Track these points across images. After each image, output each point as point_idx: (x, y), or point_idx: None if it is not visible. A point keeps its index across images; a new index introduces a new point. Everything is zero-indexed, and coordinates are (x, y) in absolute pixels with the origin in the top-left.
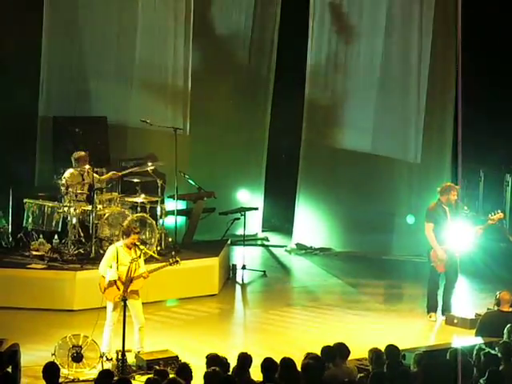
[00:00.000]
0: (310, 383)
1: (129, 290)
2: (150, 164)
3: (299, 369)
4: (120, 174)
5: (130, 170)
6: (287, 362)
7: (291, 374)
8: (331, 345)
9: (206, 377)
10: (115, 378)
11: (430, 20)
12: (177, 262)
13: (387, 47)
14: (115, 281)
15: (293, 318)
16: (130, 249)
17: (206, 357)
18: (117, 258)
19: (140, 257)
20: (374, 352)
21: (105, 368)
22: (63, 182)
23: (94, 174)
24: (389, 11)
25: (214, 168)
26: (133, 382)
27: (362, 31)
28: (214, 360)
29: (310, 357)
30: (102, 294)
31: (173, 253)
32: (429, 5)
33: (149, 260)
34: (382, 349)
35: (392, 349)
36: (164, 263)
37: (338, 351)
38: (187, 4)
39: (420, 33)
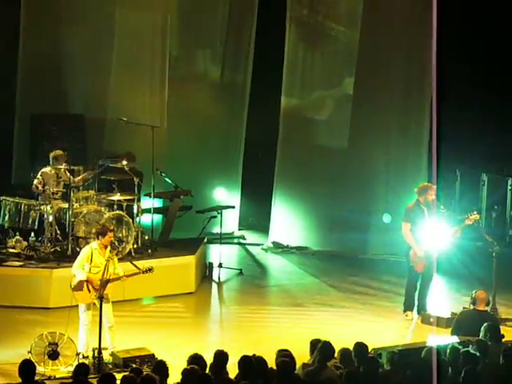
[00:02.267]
0: (284, 381)
1: (95, 296)
2: (125, 164)
3: (273, 366)
4: (93, 171)
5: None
6: (259, 361)
7: (265, 371)
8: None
9: (184, 374)
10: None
11: (407, 20)
12: (150, 270)
13: (362, 47)
14: (86, 283)
15: (269, 316)
16: (106, 248)
17: (189, 357)
18: (91, 260)
19: (118, 254)
20: (342, 352)
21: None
22: (39, 179)
23: (71, 178)
24: (365, 14)
25: (191, 166)
26: None
27: (338, 32)
28: (195, 359)
29: (282, 354)
30: (72, 292)
31: (149, 251)
32: (404, 5)
33: (124, 258)
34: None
35: (360, 346)
36: (137, 270)
37: (325, 351)
38: (164, 13)
39: (396, 32)
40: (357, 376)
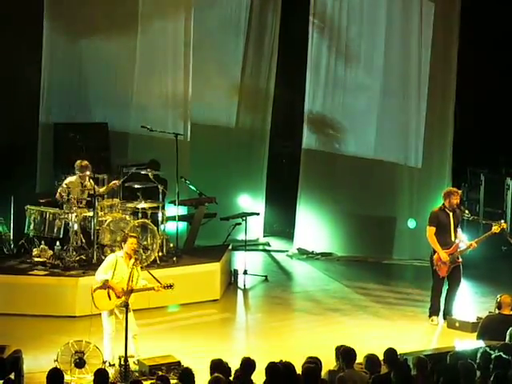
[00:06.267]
0: None
1: (120, 303)
2: (149, 171)
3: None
4: (119, 182)
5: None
6: (287, 366)
7: (292, 377)
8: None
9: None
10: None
11: (430, 29)
12: (171, 286)
13: (387, 56)
14: (108, 290)
15: (295, 322)
16: (130, 258)
17: (211, 362)
18: (114, 267)
19: (142, 262)
20: (368, 358)
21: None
22: (64, 188)
23: (96, 187)
24: (388, 22)
25: (215, 173)
26: None
27: (361, 41)
28: (217, 366)
29: (309, 360)
30: (91, 300)
31: (174, 258)
32: (428, 15)
33: (149, 266)
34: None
35: (391, 352)
36: (158, 285)
37: (346, 355)
38: (185, 23)
39: (420, 41)
40: (387, 381)
